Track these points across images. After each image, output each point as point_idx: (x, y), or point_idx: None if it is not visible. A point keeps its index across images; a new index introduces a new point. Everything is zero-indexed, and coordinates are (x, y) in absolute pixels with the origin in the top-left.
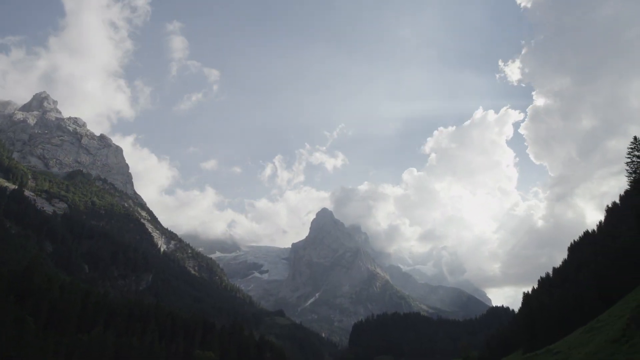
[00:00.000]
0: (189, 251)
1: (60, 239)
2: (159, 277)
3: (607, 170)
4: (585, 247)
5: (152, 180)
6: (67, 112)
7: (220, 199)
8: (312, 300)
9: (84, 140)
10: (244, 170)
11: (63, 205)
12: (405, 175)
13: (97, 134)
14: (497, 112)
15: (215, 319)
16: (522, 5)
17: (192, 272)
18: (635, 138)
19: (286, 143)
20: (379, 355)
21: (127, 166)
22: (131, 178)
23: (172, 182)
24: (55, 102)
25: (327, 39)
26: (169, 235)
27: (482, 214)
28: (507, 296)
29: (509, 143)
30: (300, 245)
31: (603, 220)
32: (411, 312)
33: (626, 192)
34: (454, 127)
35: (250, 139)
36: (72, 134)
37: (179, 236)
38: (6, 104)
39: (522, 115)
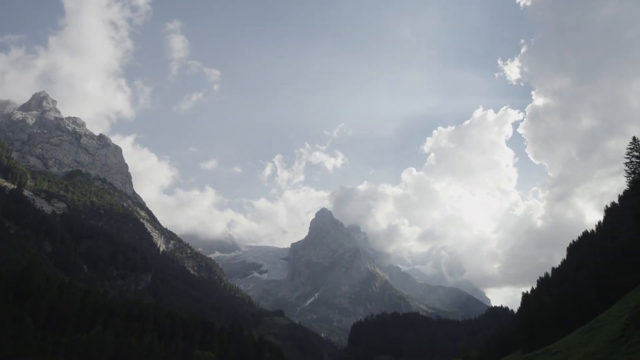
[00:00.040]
0: (188, 251)
1: (59, 239)
2: (158, 277)
3: (607, 170)
4: (584, 247)
5: (152, 180)
6: (66, 112)
7: (220, 199)
8: (311, 300)
9: (83, 140)
10: (244, 170)
11: (62, 205)
12: (405, 175)
13: (97, 133)
14: (496, 111)
15: (214, 318)
16: (522, 4)
17: (191, 272)
18: (634, 138)
19: (286, 142)
20: (378, 355)
21: (126, 166)
22: (130, 178)
23: (172, 182)
24: (54, 102)
25: (328, 38)
26: (168, 235)
27: (482, 214)
28: (506, 296)
29: (509, 143)
30: (300, 245)
31: (602, 220)
32: (410, 312)
33: (625, 192)
34: (454, 126)
35: (250, 138)
36: (71, 133)
37: (178, 236)
38: (5, 103)
39: (521, 115)
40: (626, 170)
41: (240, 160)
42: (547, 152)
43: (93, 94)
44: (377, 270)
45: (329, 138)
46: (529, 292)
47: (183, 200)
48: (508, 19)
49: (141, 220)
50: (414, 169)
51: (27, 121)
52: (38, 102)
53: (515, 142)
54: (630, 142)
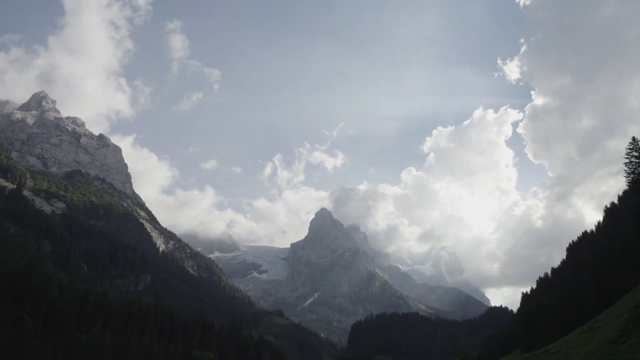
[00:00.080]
0: (188, 251)
1: (59, 239)
2: (158, 277)
3: (607, 170)
4: (584, 247)
5: (152, 180)
6: (66, 111)
7: (220, 199)
8: (311, 300)
9: (83, 140)
10: (244, 170)
11: (61, 204)
12: (404, 175)
13: (96, 133)
14: (496, 111)
15: (214, 318)
16: (522, 3)
17: (191, 272)
18: (633, 139)
19: (286, 142)
20: (378, 355)
21: (125, 166)
22: (130, 178)
23: (172, 181)
24: (54, 102)
25: (328, 38)
26: (167, 235)
27: (481, 214)
28: (506, 296)
29: (508, 143)
30: (299, 245)
31: (601, 220)
32: (410, 312)
33: (625, 192)
34: (453, 126)
35: (250, 138)
36: (71, 133)
37: (178, 236)
38: (4, 103)
39: (521, 115)
40: (625, 171)
41: (240, 160)
42: (547, 152)
43: (93, 94)
44: (377, 270)
45: (329, 138)
46: (528, 292)
47: (183, 200)
48: (508, 18)
49: (141, 220)
50: (413, 169)
51: (27, 121)
52: (37, 101)
53: (515, 142)
54: (630, 142)
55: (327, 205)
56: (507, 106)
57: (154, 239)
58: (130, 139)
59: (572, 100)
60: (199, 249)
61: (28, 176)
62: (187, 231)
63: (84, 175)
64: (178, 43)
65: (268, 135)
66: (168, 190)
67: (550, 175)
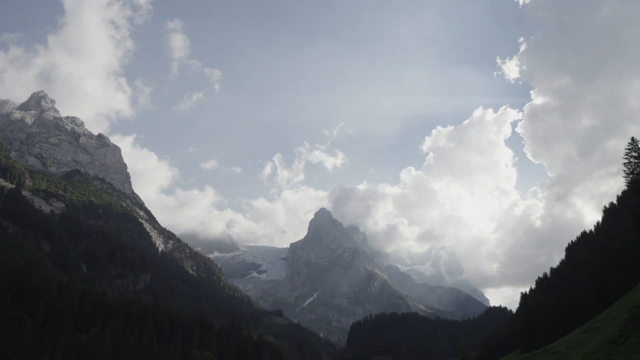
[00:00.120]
0: (187, 251)
1: (58, 239)
2: (157, 277)
3: (607, 170)
4: (583, 247)
5: (151, 180)
6: (66, 111)
7: (220, 199)
8: (310, 300)
9: (82, 140)
10: (244, 170)
11: (61, 204)
12: (403, 175)
13: (96, 133)
14: (496, 111)
15: (213, 318)
16: (522, 2)
17: (190, 271)
18: (632, 139)
19: (286, 142)
20: (377, 356)
21: (125, 165)
22: (129, 177)
23: (172, 181)
24: (53, 102)
25: (328, 38)
26: (167, 234)
27: (481, 214)
28: (505, 296)
29: (508, 142)
30: (299, 245)
31: (601, 220)
32: (409, 312)
33: (624, 192)
34: (452, 126)
35: (250, 138)
36: (70, 133)
37: (178, 236)
38: (4, 102)
39: (520, 115)
40: (625, 171)
41: (240, 160)
42: (546, 152)
43: (93, 94)
44: (376, 270)
45: (329, 137)
46: (527, 292)
47: (183, 200)
48: (507, 17)
49: (140, 220)
50: (412, 169)
51: (26, 121)
52: (37, 101)
53: (515, 141)
54: (629, 143)
55: (327, 205)
56: (507, 106)
57: (153, 239)
58: (130, 138)
59: (572, 99)
60: (198, 249)
61: (27, 176)
62: (186, 231)
63: (83, 175)
64: (178, 43)
65: (268, 134)
66: (168, 190)
67: (550, 175)
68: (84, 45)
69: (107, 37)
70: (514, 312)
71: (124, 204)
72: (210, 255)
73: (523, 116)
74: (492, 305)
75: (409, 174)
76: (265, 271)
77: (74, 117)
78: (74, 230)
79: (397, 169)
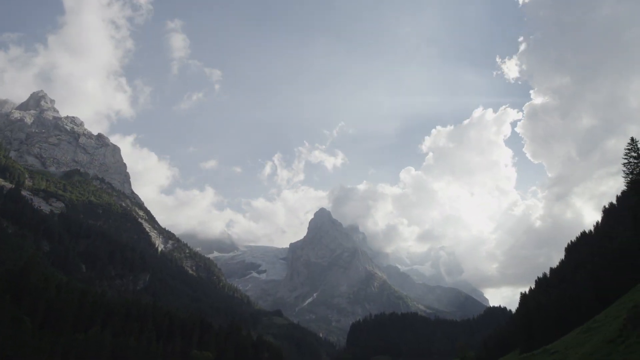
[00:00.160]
0: (187, 251)
1: (57, 239)
2: (157, 277)
3: (606, 170)
4: (583, 247)
5: (152, 180)
6: (65, 111)
7: (220, 199)
8: (309, 300)
9: (82, 140)
10: (244, 170)
11: (60, 204)
12: (403, 175)
13: (96, 133)
14: (495, 110)
15: (212, 319)
16: (521, 1)
17: (190, 271)
18: (632, 139)
19: (286, 141)
20: (377, 356)
21: (124, 165)
22: (129, 177)
23: (172, 181)
24: (52, 101)
25: (328, 37)
26: (166, 234)
27: (480, 213)
28: (505, 296)
29: (507, 142)
30: (298, 245)
31: (600, 220)
32: (409, 312)
33: (623, 192)
34: (452, 126)
35: (250, 137)
36: (70, 133)
37: (177, 236)
38: (3, 102)
39: (520, 115)
40: (624, 171)
41: (240, 160)
42: (546, 152)
43: (93, 94)
44: (376, 270)
45: (329, 137)
46: (527, 292)
47: (182, 200)
48: (507, 16)
49: (139, 220)
50: (412, 169)
51: (25, 120)
52: (36, 101)
53: (514, 141)
54: (628, 143)
55: (326, 205)
56: (507, 105)
57: (152, 239)
58: (130, 138)
59: (572, 99)
60: (198, 249)
61: (26, 176)
62: (186, 231)
63: (82, 174)
64: (179, 42)
65: (268, 134)
66: (168, 190)
67: (550, 175)
68: (84, 45)
69: (107, 36)
70: (513, 312)
71: (123, 204)
72: (210, 255)
73: (523, 116)
74: (491, 305)
75: (408, 174)
76: (264, 271)
77: (73, 117)
78: (74, 230)
79: (397, 169)
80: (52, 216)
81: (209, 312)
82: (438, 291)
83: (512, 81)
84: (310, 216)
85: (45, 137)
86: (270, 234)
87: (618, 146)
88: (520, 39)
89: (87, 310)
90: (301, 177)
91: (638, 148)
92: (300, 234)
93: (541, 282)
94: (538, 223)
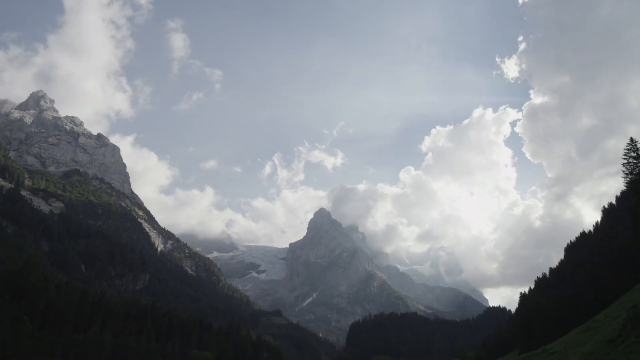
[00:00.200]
0: (186, 251)
1: (57, 239)
2: (156, 277)
3: (606, 170)
4: (582, 247)
5: (151, 180)
6: (65, 111)
7: (220, 199)
8: (309, 300)
9: (81, 140)
10: (244, 170)
11: (60, 204)
12: (403, 174)
13: (95, 133)
14: (495, 110)
15: (212, 319)
16: (521, 1)
17: (189, 271)
18: (631, 139)
19: (286, 141)
20: (376, 356)
21: (124, 165)
22: (128, 177)
23: (172, 181)
24: (52, 101)
25: (328, 37)
26: (166, 234)
27: (480, 213)
28: (504, 296)
29: (507, 142)
30: (298, 245)
31: (600, 221)
32: (408, 312)
33: (623, 193)
34: (452, 126)
35: (250, 137)
36: (69, 133)
37: (177, 236)
38: (3, 102)
39: (520, 114)
40: (624, 171)
41: (240, 160)
42: (546, 151)
43: (92, 94)
44: (375, 270)
45: (329, 137)
46: (526, 292)
47: (182, 200)
48: (507, 16)
49: (139, 219)
50: (412, 168)
51: (25, 120)
52: (36, 101)
53: (514, 141)
54: (628, 143)
55: (326, 205)
56: (507, 105)
57: (152, 239)
58: (130, 138)
59: (572, 99)
60: (197, 249)
61: (26, 175)
62: (185, 231)
63: (82, 174)
64: (179, 42)
65: (268, 134)
66: (168, 190)
67: (549, 175)
68: (84, 44)
69: (107, 36)
70: (512, 312)
71: (123, 204)
72: (210, 255)
73: (522, 116)
74: (491, 306)
75: (408, 174)
76: (264, 271)
77: (73, 117)
78: (73, 230)
79: (397, 169)
80: (51, 216)
81: (209, 312)
82: (437, 291)
83: (512, 81)
84: (310, 216)
85: (44, 137)
86: (270, 233)
87: (618, 146)
88: (520, 38)
89: (86, 310)
90: (301, 177)
91: (637, 148)
92: (300, 233)
93: (541, 282)
94: (538, 223)
